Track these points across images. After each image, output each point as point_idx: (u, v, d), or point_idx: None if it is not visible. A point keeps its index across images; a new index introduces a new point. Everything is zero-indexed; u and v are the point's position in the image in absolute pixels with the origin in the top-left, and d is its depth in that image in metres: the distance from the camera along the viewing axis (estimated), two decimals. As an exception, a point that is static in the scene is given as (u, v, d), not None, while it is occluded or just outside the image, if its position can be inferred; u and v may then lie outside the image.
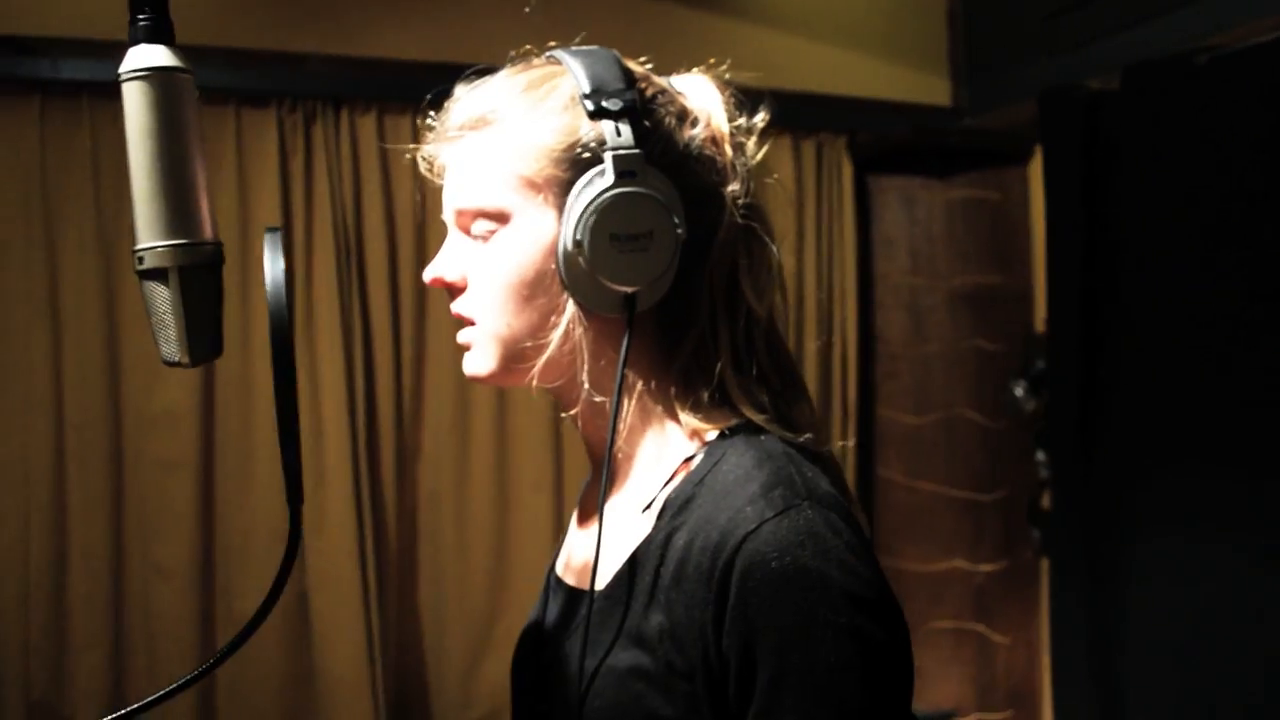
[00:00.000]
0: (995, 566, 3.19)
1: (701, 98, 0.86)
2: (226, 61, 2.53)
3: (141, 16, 0.70)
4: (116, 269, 2.48)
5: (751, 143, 0.88)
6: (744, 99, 0.89)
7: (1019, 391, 3.04)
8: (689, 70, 0.89)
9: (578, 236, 0.76)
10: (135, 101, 0.69)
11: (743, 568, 0.70)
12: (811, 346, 3.16)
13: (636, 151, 0.76)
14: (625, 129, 0.77)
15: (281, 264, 0.69)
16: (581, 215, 0.76)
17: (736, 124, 0.85)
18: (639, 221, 0.76)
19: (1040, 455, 3.02)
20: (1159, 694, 2.43)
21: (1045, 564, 3.06)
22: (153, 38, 0.70)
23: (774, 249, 0.85)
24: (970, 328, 3.23)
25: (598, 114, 0.77)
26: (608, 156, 0.76)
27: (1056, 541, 2.81)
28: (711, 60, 0.91)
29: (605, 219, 0.75)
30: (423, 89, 1.01)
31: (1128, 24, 2.53)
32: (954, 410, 3.23)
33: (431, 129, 0.85)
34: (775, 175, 0.90)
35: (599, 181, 0.76)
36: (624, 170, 0.76)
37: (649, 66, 0.87)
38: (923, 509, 3.28)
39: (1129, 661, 2.49)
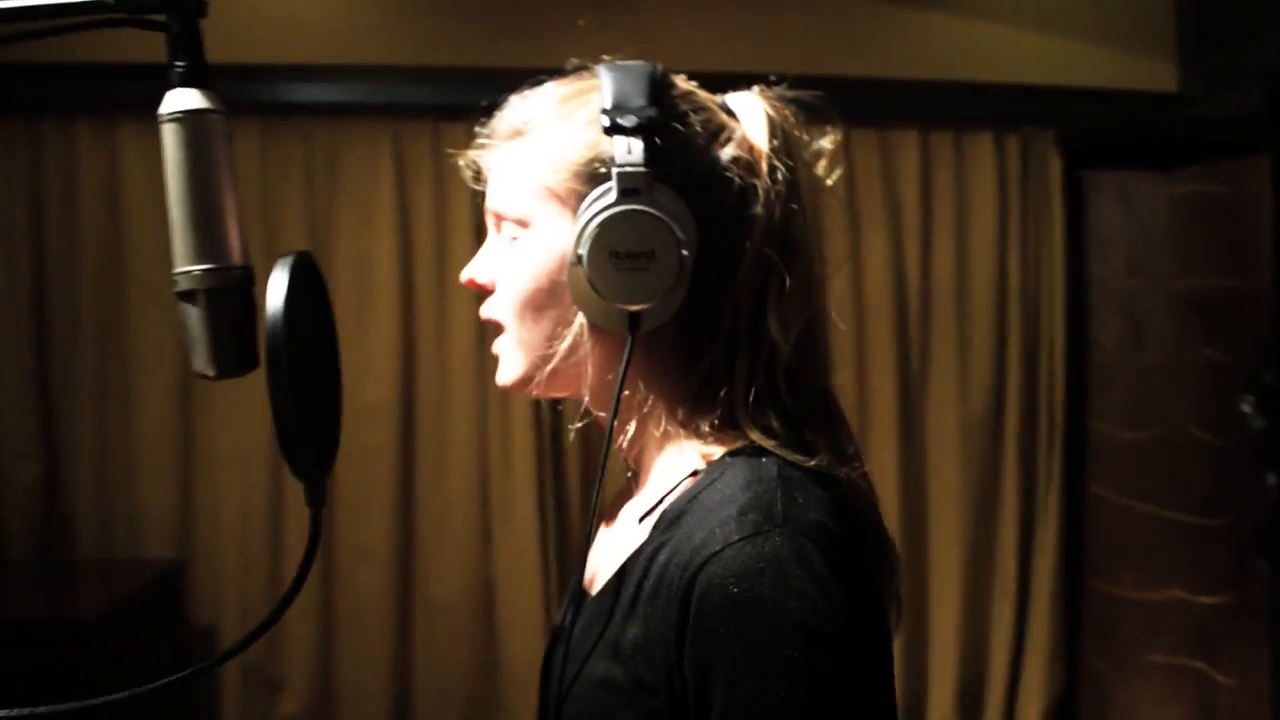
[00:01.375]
0: (1218, 599, 2.90)
1: (745, 116, 0.85)
2: (424, 79, 2.70)
3: (178, 63, 0.78)
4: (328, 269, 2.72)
5: (821, 165, 0.86)
6: (809, 117, 0.87)
7: (1247, 407, 2.75)
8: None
9: (579, 250, 0.77)
10: (170, 141, 0.77)
11: (701, 590, 0.70)
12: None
13: (643, 170, 0.77)
14: (637, 146, 0.77)
15: (284, 289, 0.74)
16: (583, 230, 0.78)
17: (774, 145, 0.83)
18: (640, 240, 0.76)
19: (1272, 479, 2.72)
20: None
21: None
22: (187, 82, 0.77)
23: (811, 276, 0.83)
24: (1196, 336, 2.95)
25: (612, 129, 0.79)
26: (614, 173, 0.77)
27: (1286, 576, 2.53)
28: (773, 78, 0.90)
29: (605, 235, 0.77)
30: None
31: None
32: (1175, 425, 2.96)
33: (480, 136, 0.89)
34: (829, 184, 0.88)
35: (605, 198, 0.78)
36: (628, 188, 0.77)
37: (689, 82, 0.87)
38: (1138, 531, 3.03)
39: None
